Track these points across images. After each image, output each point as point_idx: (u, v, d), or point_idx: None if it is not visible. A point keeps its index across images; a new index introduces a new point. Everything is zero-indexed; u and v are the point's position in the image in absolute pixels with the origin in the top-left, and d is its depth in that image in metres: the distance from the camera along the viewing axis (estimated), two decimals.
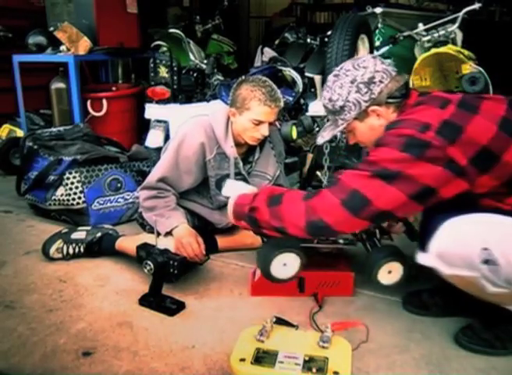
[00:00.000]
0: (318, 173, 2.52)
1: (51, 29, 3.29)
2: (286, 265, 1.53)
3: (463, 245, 1.23)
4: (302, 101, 2.93)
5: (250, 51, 5.82)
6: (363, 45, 2.81)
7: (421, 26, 2.95)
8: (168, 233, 1.83)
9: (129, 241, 1.93)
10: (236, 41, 5.23)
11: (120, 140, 2.82)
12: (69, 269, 1.89)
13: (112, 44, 3.44)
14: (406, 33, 2.96)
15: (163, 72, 3.11)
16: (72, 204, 2.33)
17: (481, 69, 2.62)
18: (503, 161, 1.23)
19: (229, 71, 4.24)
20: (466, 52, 2.78)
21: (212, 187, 1.99)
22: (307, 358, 1.21)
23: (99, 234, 1.98)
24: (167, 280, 1.66)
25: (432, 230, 1.27)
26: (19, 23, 3.79)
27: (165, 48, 3.41)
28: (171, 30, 3.88)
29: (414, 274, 1.56)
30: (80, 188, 2.33)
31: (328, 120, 1.56)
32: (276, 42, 4.16)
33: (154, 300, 1.63)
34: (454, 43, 2.90)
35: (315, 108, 2.69)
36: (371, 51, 2.89)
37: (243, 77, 2.18)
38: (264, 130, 1.89)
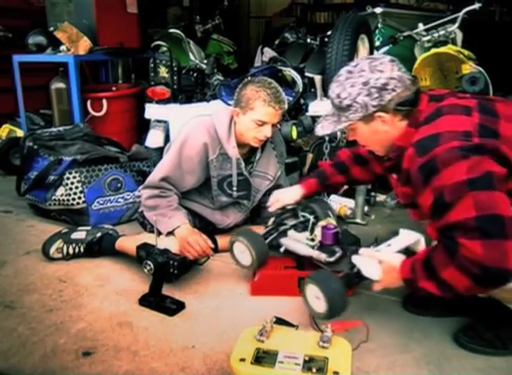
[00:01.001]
0: None
1: (51, 29, 3.29)
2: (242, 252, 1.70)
3: None
4: (302, 101, 2.93)
5: (250, 51, 5.83)
6: (363, 45, 2.81)
7: (421, 26, 2.95)
8: (170, 233, 1.83)
9: (129, 240, 1.93)
10: (236, 41, 5.23)
11: (120, 140, 2.82)
12: (69, 269, 1.89)
13: (112, 44, 3.44)
14: (406, 33, 2.97)
15: (163, 72, 3.11)
16: (73, 204, 2.33)
17: (481, 69, 2.63)
18: None
19: (229, 71, 4.25)
20: (466, 52, 2.78)
21: (214, 188, 1.99)
22: (307, 358, 1.20)
23: (99, 234, 1.98)
24: (167, 280, 1.66)
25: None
26: (19, 23, 3.80)
27: (165, 48, 3.40)
28: (171, 30, 3.87)
29: None
30: (80, 188, 2.33)
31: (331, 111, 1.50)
32: (276, 42, 4.15)
33: (154, 300, 1.63)
34: (454, 43, 2.91)
35: (315, 108, 2.69)
36: (371, 51, 2.88)
37: (249, 78, 2.17)
38: (266, 132, 1.89)
